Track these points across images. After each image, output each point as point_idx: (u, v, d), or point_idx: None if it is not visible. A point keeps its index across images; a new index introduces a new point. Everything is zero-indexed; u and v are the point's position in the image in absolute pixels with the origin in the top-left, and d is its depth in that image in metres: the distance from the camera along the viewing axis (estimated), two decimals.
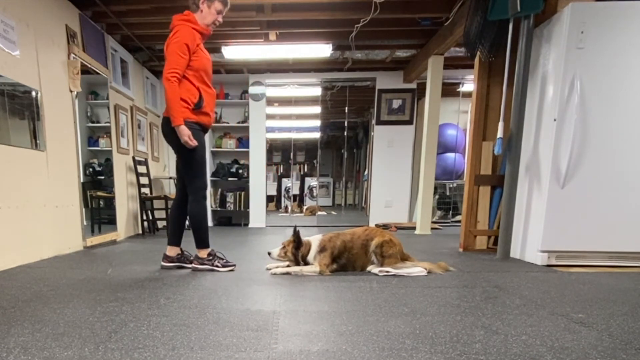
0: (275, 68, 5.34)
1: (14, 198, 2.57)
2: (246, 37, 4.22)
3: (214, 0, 2.31)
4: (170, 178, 5.49)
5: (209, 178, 5.77)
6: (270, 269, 2.46)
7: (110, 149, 4.01)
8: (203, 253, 2.48)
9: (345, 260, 2.43)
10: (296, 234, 2.41)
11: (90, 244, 3.45)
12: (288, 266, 2.45)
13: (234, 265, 2.55)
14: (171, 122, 2.25)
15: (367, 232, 2.51)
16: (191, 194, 2.42)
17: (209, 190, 5.80)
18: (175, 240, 2.57)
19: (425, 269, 2.40)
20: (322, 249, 2.41)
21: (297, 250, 2.41)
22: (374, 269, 2.42)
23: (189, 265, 2.55)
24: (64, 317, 1.53)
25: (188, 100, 2.28)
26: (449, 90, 5.64)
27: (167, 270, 2.51)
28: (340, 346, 1.25)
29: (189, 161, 2.37)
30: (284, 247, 2.44)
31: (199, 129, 2.35)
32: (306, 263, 2.43)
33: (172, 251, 2.57)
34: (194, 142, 2.27)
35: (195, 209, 2.43)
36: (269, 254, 2.48)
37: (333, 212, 8.30)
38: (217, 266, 2.48)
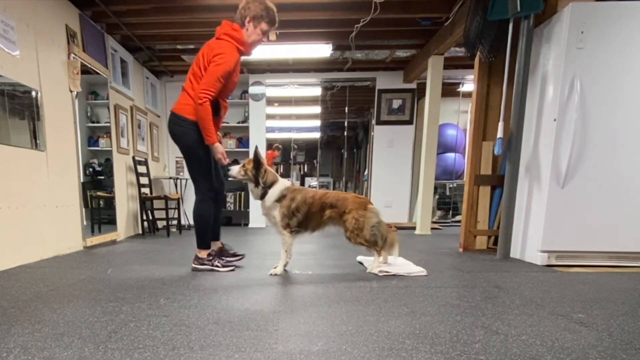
0: (275, 68, 5.34)
1: (14, 198, 2.57)
2: None
3: (261, 21, 2.28)
4: (170, 178, 5.49)
5: None
6: (271, 272, 2.43)
7: (110, 149, 4.02)
8: (203, 253, 2.49)
9: (303, 216, 2.36)
10: (255, 153, 2.35)
11: (90, 244, 3.46)
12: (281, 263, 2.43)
13: (234, 266, 2.56)
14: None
15: (335, 198, 2.41)
16: (197, 194, 2.44)
17: None
18: (212, 237, 2.60)
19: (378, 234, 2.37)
20: (281, 197, 2.35)
21: (256, 172, 2.35)
22: (374, 268, 2.43)
23: (231, 259, 2.62)
24: (64, 317, 1.53)
25: None
26: (449, 90, 5.64)
27: (167, 269, 2.51)
28: (340, 346, 1.25)
29: (195, 163, 2.39)
30: (243, 165, 2.39)
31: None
32: (265, 193, 2.36)
33: (214, 246, 2.61)
34: (226, 160, 2.36)
35: (200, 209, 2.44)
36: (228, 170, 2.41)
37: None
38: (217, 266, 2.49)
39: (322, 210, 2.39)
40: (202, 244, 2.48)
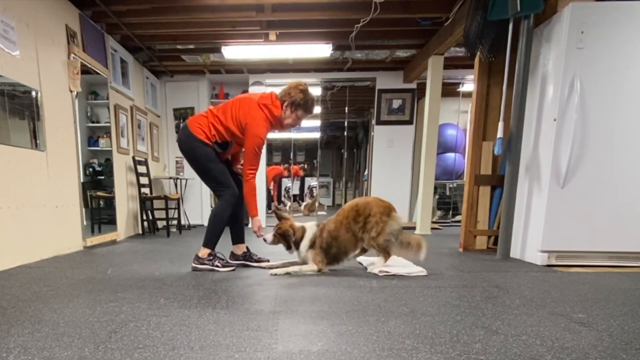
0: (275, 68, 5.34)
1: (14, 198, 2.58)
2: (246, 37, 4.22)
3: (299, 109, 2.40)
4: (170, 178, 5.49)
5: None
6: (271, 272, 2.44)
7: (110, 149, 4.02)
8: (204, 252, 2.49)
9: (336, 250, 2.43)
10: (281, 230, 2.45)
11: (90, 244, 3.46)
12: (288, 267, 2.46)
13: (234, 266, 2.57)
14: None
15: (355, 210, 2.42)
16: (223, 199, 2.49)
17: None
18: (237, 239, 2.71)
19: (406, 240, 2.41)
20: (312, 244, 2.43)
21: (287, 238, 2.45)
22: (373, 268, 2.43)
23: (253, 264, 2.67)
24: (64, 317, 1.53)
25: (217, 135, 2.39)
26: (449, 90, 5.64)
27: (167, 269, 2.51)
28: (340, 346, 1.25)
29: (210, 176, 2.47)
30: (274, 234, 2.49)
31: (212, 148, 2.42)
32: (298, 248, 2.45)
33: (239, 249, 2.70)
34: (261, 233, 2.47)
35: (220, 210, 2.50)
36: (265, 240, 2.50)
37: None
38: (217, 266, 2.50)
39: (350, 228, 2.41)
40: (209, 243, 2.50)
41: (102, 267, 2.58)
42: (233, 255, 2.71)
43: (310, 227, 2.48)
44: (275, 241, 2.50)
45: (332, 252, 2.43)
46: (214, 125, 2.39)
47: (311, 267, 2.41)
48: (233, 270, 2.51)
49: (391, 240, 2.39)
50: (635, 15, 2.42)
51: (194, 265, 2.50)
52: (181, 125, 5.61)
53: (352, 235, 2.41)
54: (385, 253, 2.42)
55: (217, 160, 2.44)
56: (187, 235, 4.66)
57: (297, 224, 2.50)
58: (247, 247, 2.72)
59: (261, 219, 5.57)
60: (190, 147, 2.41)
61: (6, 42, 2.49)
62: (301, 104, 2.39)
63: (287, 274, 2.39)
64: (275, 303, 1.75)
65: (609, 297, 1.87)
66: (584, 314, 1.59)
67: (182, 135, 2.44)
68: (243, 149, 2.44)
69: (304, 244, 2.44)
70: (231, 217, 2.57)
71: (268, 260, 2.70)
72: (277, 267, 2.51)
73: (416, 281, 2.19)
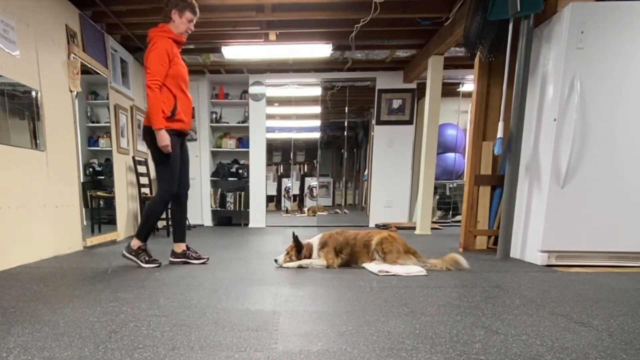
0: (275, 68, 5.34)
1: (14, 198, 2.57)
2: (246, 37, 4.22)
3: (185, 10, 2.47)
4: None
5: (208, 178, 5.78)
6: (284, 265, 2.59)
7: (110, 149, 4.01)
8: (136, 244, 2.59)
9: (348, 256, 2.56)
10: (295, 239, 2.57)
11: (90, 244, 3.45)
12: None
13: (160, 263, 2.63)
14: (152, 126, 2.41)
15: (369, 234, 2.63)
16: (157, 194, 2.57)
17: (209, 191, 5.80)
18: (178, 238, 2.74)
19: (436, 266, 2.49)
20: (323, 245, 2.56)
21: (299, 254, 2.58)
22: (374, 268, 2.43)
23: (193, 261, 2.71)
24: (64, 317, 1.53)
25: (164, 111, 2.43)
26: (449, 90, 5.64)
27: (167, 269, 2.51)
28: (340, 346, 1.25)
29: (160, 165, 2.51)
30: (287, 252, 2.61)
31: (174, 134, 2.48)
32: (311, 258, 2.59)
33: (178, 248, 2.74)
34: (168, 150, 2.43)
35: (153, 203, 2.60)
36: (276, 261, 2.61)
37: (337, 211, 8.29)
38: (141, 260, 2.59)
39: (369, 248, 2.56)
40: (140, 235, 2.60)
41: (102, 267, 2.58)
42: (173, 254, 2.74)
43: (314, 240, 2.63)
44: (287, 259, 2.59)
45: (344, 256, 2.56)
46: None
47: (321, 262, 2.53)
48: (158, 266, 2.58)
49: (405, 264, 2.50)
50: (635, 15, 2.42)
51: (123, 252, 2.60)
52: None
53: (367, 253, 2.56)
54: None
55: (174, 155, 2.49)
56: (187, 235, 4.64)
57: (305, 241, 2.64)
58: (186, 246, 2.76)
59: (261, 215, 5.68)
60: (150, 141, 2.47)
61: (6, 42, 2.49)
62: (184, 5, 2.44)
63: (300, 266, 2.52)
64: (275, 303, 1.75)
65: (609, 297, 1.87)
66: (584, 314, 1.59)
67: (147, 136, 2.51)
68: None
69: (315, 249, 2.59)
70: (176, 211, 2.70)
71: (208, 258, 2.77)
72: (284, 261, 2.61)
73: (416, 281, 2.19)
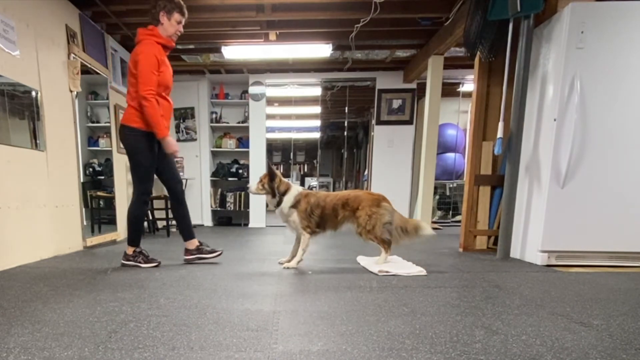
0: (275, 68, 5.34)
1: (14, 198, 2.57)
2: (246, 37, 4.22)
3: (173, 12, 2.43)
4: None
5: (208, 178, 5.78)
6: (282, 264, 2.62)
7: (110, 149, 4.02)
8: (130, 250, 2.62)
9: (318, 218, 2.51)
10: (269, 168, 2.57)
11: (90, 244, 3.46)
12: (294, 260, 2.58)
13: (159, 262, 2.66)
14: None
15: (345, 198, 2.52)
16: (135, 195, 2.55)
17: (209, 190, 5.80)
18: (187, 236, 2.75)
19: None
20: (296, 203, 2.51)
21: (272, 182, 2.52)
22: (374, 268, 2.43)
23: (207, 256, 2.74)
24: (64, 317, 1.53)
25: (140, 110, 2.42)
26: (449, 90, 5.64)
27: (167, 269, 2.52)
28: (340, 346, 1.25)
29: (136, 166, 2.51)
30: (260, 180, 2.57)
31: (145, 136, 2.45)
32: (281, 201, 2.54)
33: (191, 245, 2.74)
34: (178, 156, 2.48)
35: (133, 208, 2.57)
36: (248, 188, 2.62)
37: None
38: (140, 262, 2.61)
39: (336, 211, 2.51)
40: (133, 242, 2.62)
41: (102, 267, 2.58)
42: (187, 252, 2.75)
43: (296, 187, 2.58)
44: (259, 188, 2.55)
45: (315, 219, 2.51)
46: (134, 102, 2.42)
47: (305, 239, 2.51)
48: (157, 266, 2.61)
49: (387, 230, 2.47)
50: (635, 15, 2.42)
51: (122, 261, 2.62)
52: (180, 126, 5.63)
53: (335, 217, 2.51)
54: (384, 244, 2.49)
55: (147, 154, 2.47)
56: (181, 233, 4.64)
57: (285, 180, 2.61)
58: (199, 241, 2.77)
59: (261, 215, 5.67)
60: (134, 140, 2.45)
61: (6, 42, 2.49)
62: (172, 7, 2.42)
63: (299, 261, 2.52)
64: (275, 303, 1.75)
65: (609, 297, 1.87)
66: (584, 314, 1.59)
67: (122, 134, 2.50)
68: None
69: (288, 199, 2.52)
70: (177, 210, 2.72)
71: (222, 251, 2.77)
72: (287, 261, 2.62)
73: (416, 281, 2.19)
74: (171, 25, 2.45)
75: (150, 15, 2.45)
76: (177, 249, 3.49)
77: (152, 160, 2.51)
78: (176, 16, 2.44)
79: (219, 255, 2.74)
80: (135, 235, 2.62)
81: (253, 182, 2.63)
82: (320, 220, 2.52)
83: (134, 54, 2.39)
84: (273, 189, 2.53)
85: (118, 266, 2.63)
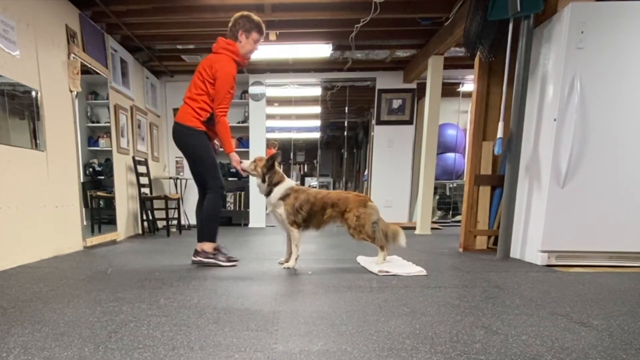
0: (275, 68, 5.34)
1: (14, 198, 2.57)
2: None
3: (252, 31, 2.52)
4: (170, 178, 5.49)
5: None
6: (282, 264, 2.62)
7: (110, 149, 4.01)
8: (209, 247, 2.59)
9: (306, 214, 2.52)
10: (272, 156, 2.55)
11: (90, 244, 3.45)
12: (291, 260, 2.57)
13: (236, 261, 2.65)
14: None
15: (335, 199, 2.53)
16: (211, 191, 2.60)
17: None
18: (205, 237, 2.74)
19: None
20: (285, 195, 2.52)
21: (268, 171, 2.53)
22: (374, 268, 2.43)
23: (222, 263, 2.67)
24: (64, 317, 1.53)
25: (202, 114, 2.51)
26: (449, 90, 5.64)
27: (166, 270, 2.51)
28: (340, 346, 1.25)
29: (202, 162, 2.57)
30: (254, 161, 2.57)
31: (201, 133, 2.53)
32: (270, 191, 2.54)
33: (208, 247, 2.69)
34: (241, 171, 2.58)
35: (212, 204, 2.60)
36: (241, 162, 2.60)
37: None
38: (221, 260, 2.58)
39: (324, 209, 2.53)
40: (212, 237, 2.61)
41: (102, 267, 2.58)
42: (199, 253, 2.69)
43: (289, 181, 2.59)
44: (252, 167, 2.55)
45: (302, 214, 2.52)
46: (194, 103, 2.50)
47: (294, 234, 2.52)
48: (235, 265, 2.59)
49: (376, 229, 2.50)
50: (635, 15, 2.42)
51: (198, 259, 2.59)
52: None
53: (322, 215, 2.52)
54: (379, 242, 2.51)
55: (210, 149, 2.57)
56: (187, 235, 4.65)
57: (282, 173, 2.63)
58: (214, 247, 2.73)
59: (261, 215, 5.67)
60: (182, 138, 2.54)
61: (6, 42, 2.49)
62: (252, 26, 2.50)
63: (297, 258, 2.53)
64: (275, 303, 1.75)
65: (609, 297, 1.87)
66: (584, 314, 1.59)
67: (174, 131, 2.57)
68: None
69: (278, 190, 2.52)
70: (199, 215, 2.71)
71: (237, 260, 2.71)
72: (285, 260, 2.63)
73: (416, 281, 2.19)
74: (248, 43, 2.53)
75: (230, 32, 2.53)
76: (176, 249, 3.49)
77: (214, 153, 2.58)
78: (254, 35, 2.52)
79: (235, 264, 2.67)
80: (214, 232, 2.63)
81: (247, 161, 2.62)
82: (307, 216, 2.53)
83: (211, 62, 2.47)
84: (264, 174, 2.54)
85: (118, 266, 2.62)
